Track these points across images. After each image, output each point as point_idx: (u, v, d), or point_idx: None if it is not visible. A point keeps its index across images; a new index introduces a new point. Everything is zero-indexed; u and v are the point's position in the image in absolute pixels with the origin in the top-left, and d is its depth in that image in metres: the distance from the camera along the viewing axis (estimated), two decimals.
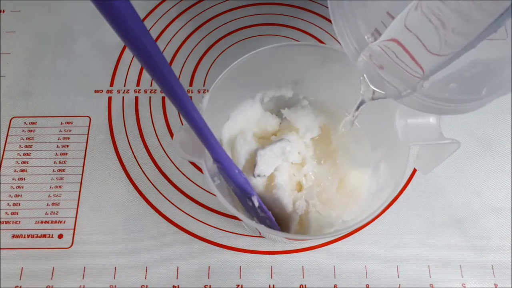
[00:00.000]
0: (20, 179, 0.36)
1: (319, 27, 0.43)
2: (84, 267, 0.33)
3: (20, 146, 0.37)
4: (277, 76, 0.32)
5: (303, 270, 0.33)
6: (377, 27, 0.24)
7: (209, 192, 0.36)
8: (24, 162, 0.37)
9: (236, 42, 0.42)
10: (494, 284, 0.33)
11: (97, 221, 0.34)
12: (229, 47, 0.42)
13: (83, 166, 0.36)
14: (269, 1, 0.44)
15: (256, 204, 0.27)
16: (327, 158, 0.32)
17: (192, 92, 0.40)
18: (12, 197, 0.35)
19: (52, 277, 0.32)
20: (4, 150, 0.37)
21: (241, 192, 0.27)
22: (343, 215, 0.30)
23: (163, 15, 0.43)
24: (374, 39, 0.24)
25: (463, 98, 0.22)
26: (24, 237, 0.34)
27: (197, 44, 0.42)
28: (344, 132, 0.31)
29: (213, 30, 0.43)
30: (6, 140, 0.37)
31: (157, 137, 0.38)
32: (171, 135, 0.38)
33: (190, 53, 0.42)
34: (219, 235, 0.34)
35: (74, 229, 0.34)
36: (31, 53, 0.41)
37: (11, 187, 0.36)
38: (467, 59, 0.21)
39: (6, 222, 0.34)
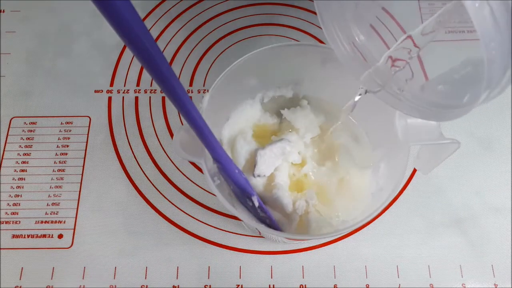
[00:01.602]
0: (20, 179, 0.36)
1: (319, 27, 0.43)
2: (84, 267, 0.33)
3: (20, 146, 0.37)
4: (277, 76, 0.32)
5: (303, 270, 0.33)
6: (371, 23, 0.24)
7: (209, 192, 0.36)
8: (24, 162, 0.37)
9: (236, 42, 0.42)
10: (494, 284, 0.33)
11: (97, 221, 0.34)
12: (229, 47, 0.42)
13: (83, 166, 0.36)
14: (269, 1, 0.44)
15: (256, 204, 0.27)
16: (327, 158, 0.32)
17: (192, 92, 0.40)
18: (12, 197, 0.35)
19: (52, 277, 0.32)
20: (4, 150, 0.37)
21: (241, 192, 0.27)
22: (343, 215, 0.30)
23: (163, 15, 0.43)
24: (366, 37, 0.25)
25: (448, 103, 0.22)
26: (24, 237, 0.34)
27: (197, 44, 0.42)
28: (345, 116, 0.31)
29: (213, 30, 0.43)
30: (6, 140, 0.37)
31: (157, 137, 0.38)
32: (171, 135, 0.38)
33: (190, 53, 0.42)
34: (219, 235, 0.34)
35: (74, 229, 0.34)
36: (31, 53, 0.41)
37: (11, 187, 0.36)
38: (460, 58, 0.21)
39: (6, 222, 0.34)
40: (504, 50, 0.18)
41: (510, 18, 0.17)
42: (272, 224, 0.29)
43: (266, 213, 0.28)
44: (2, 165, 0.36)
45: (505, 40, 0.17)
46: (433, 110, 0.23)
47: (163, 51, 0.42)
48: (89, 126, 0.38)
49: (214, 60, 0.41)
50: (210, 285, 0.32)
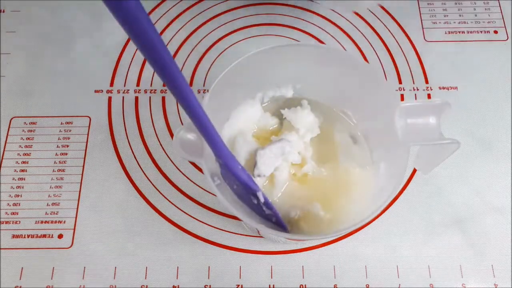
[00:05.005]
0: (20, 179, 0.36)
1: (319, 27, 0.43)
2: (84, 267, 0.33)
3: (20, 146, 0.37)
4: (277, 76, 0.32)
5: (303, 270, 0.33)
6: None
7: (209, 192, 0.36)
8: (24, 162, 0.37)
9: (236, 42, 0.42)
10: (494, 284, 0.33)
11: (97, 221, 0.34)
12: (229, 47, 0.42)
13: (83, 166, 0.36)
14: (269, 1, 0.44)
15: (262, 200, 0.27)
16: (327, 158, 0.32)
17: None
18: (12, 197, 0.35)
19: (52, 277, 0.32)
20: (4, 150, 0.37)
21: (245, 189, 0.27)
22: (343, 215, 0.30)
23: (163, 15, 0.43)
24: None
25: None
26: (24, 237, 0.34)
27: (197, 44, 0.42)
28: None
29: (213, 30, 0.43)
30: (6, 140, 0.37)
31: (157, 137, 0.38)
32: (171, 135, 0.38)
33: (190, 53, 0.42)
34: (219, 235, 0.34)
35: (74, 229, 0.34)
36: (31, 53, 0.41)
37: (11, 187, 0.36)
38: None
39: (6, 222, 0.34)
40: None
41: None
42: (278, 221, 0.28)
43: (272, 209, 0.28)
44: (2, 165, 0.36)
45: None
46: None
47: None
48: (89, 126, 0.38)
49: (214, 60, 0.41)
50: (210, 285, 0.32)
